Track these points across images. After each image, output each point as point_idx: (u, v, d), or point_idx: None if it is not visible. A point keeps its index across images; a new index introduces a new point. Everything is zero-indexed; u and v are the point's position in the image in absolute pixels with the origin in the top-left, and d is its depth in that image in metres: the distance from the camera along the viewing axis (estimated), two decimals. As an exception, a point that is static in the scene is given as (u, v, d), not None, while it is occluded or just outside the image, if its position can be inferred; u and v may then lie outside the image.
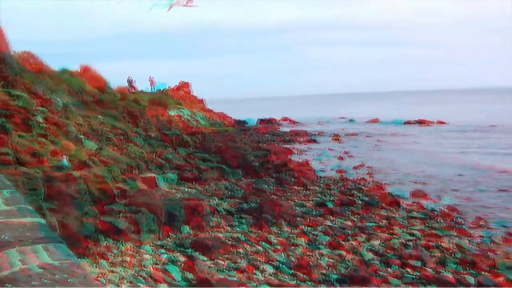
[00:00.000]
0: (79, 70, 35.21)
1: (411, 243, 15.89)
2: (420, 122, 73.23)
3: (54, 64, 35.67)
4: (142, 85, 60.04)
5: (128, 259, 12.72)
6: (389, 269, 13.76)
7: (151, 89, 60.11)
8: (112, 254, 12.90)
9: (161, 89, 61.06)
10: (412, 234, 16.90)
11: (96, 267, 11.98)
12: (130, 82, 56.37)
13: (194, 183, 24.20)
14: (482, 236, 17.29)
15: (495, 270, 14.03)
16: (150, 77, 61.90)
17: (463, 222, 19.05)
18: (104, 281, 11.17)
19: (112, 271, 11.79)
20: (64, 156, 15.83)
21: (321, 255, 14.64)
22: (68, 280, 3.45)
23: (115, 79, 49.87)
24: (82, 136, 21.63)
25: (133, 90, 54.39)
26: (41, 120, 19.25)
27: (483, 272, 13.76)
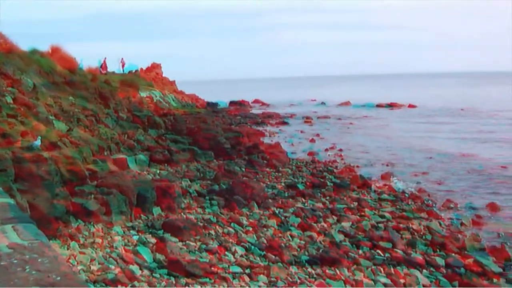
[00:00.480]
0: (49, 51, 34.84)
1: (381, 225, 16.04)
2: (391, 105, 73.69)
3: (24, 44, 35.16)
4: (113, 67, 59.63)
5: (98, 240, 12.67)
6: (359, 251, 13.87)
7: (122, 71, 59.70)
8: (83, 235, 12.84)
9: (133, 71, 60.65)
10: (382, 216, 17.06)
11: (66, 248, 11.92)
12: (101, 63, 55.93)
13: (165, 164, 24.14)
14: (451, 218, 17.51)
15: (465, 252, 14.22)
16: (122, 58, 61.47)
17: (433, 205, 19.27)
18: (75, 263, 11.12)
19: (83, 253, 11.75)
20: (38, 137, 15.71)
21: (292, 236, 14.71)
22: (38, 260, 3.42)
23: (86, 60, 49.38)
24: (52, 117, 21.43)
25: (105, 71, 53.98)
26: (10, 101, 19.07)
27: (452, 254, 13.92)
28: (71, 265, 10.75)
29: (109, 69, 56.73)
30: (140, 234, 13.65)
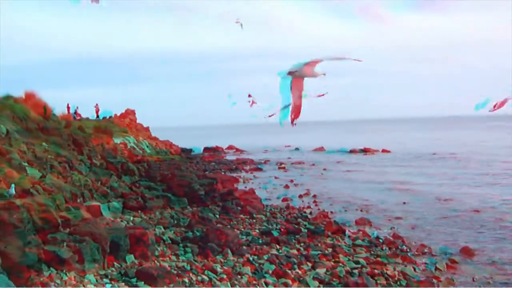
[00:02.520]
0: (23, 97, 34.70)
1: (356, 271, 16.00)
2: (365, 151, 74.14)
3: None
4: (88, 113, 59.74)
5: (71, 289, 12.50)
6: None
7: (97, 117, 59.76)
8: (55, 284, 12.67)
9: (107, 117, 60.72)
10: (357, 262, 17.00)
11: (38, 298, 11.74)
12: (75, 110, 56.02)
13: (139, 211, 24.00)
14: (426, 263, 17.53)
15: (439, 297, 14.24)
16: (96, 104, 61.56)
17: (407, 250, 19.28)
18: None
19: (55, 302, 11.57)
20: (12, 185, 15.62)
21: (267, 284, 14.62)
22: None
23: (60, 106, 49.46)
24: (25, 164, 21.28)
25: (78, 118, 53.99)
26: (-17, 148, 18.92)
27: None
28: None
29: (84, 115, 56.90)
30: (113, 282, 13.49)
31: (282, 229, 21.43)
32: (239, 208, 25.68)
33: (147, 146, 58.99)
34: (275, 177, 45.07)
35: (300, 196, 32.95)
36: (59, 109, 41.07)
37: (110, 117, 61.72)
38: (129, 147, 50.28)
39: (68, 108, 56.99)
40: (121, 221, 21.54)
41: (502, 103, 20.70)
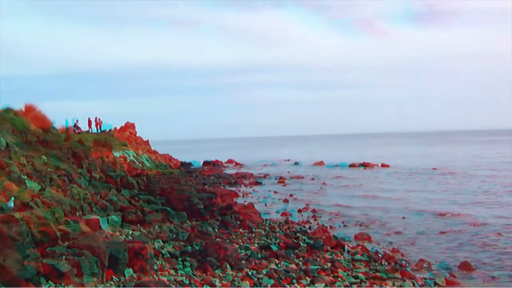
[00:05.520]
0: (23, 109, 34.72)
1: (355, 286, 15.96)
2: (365, 165, 74.15)
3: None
4: (87, 126, 60.07)
5: (69, 303, 12.47)
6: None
7: (97, 130, 59.92)
8: (54, 298, 12.64)
9: (106, 130, 60.87)
10: (356, 277, 16.94)
11: (36, 311, 11.71)
12: (75, 123, 56.16)
13: (138, 225, 24.00)
14: (425, 278, 17.48)
15: (438, 313, 14.20)
16: (96, 117, 61.73)
17: (406, 265, 19.23)
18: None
19: (53, 315, 11.54)
20: (11, 198, 15.63)
21: (266, 298, 14.59)
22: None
23: (60, 119, 49.53)
24: (25, 177, 21.30)
25: (78, 131, 54.12)
26: (-18, 161, 18.92)
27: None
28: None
29: (84, 128, 57.16)
30: (112, 296, 13.46)
31: (281, 244, 21.39)
32: (238, 222, 25.67)
33: (147, 160, 59.04)
34: (275, 192, 45.09)
35: (300, 211, 32.93)
36: (59, 122, 41.24)
37: (110, 130, 61.83)
38: (128, 160, 50.32)
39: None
40: (120, 234, 21.52)
41: None
